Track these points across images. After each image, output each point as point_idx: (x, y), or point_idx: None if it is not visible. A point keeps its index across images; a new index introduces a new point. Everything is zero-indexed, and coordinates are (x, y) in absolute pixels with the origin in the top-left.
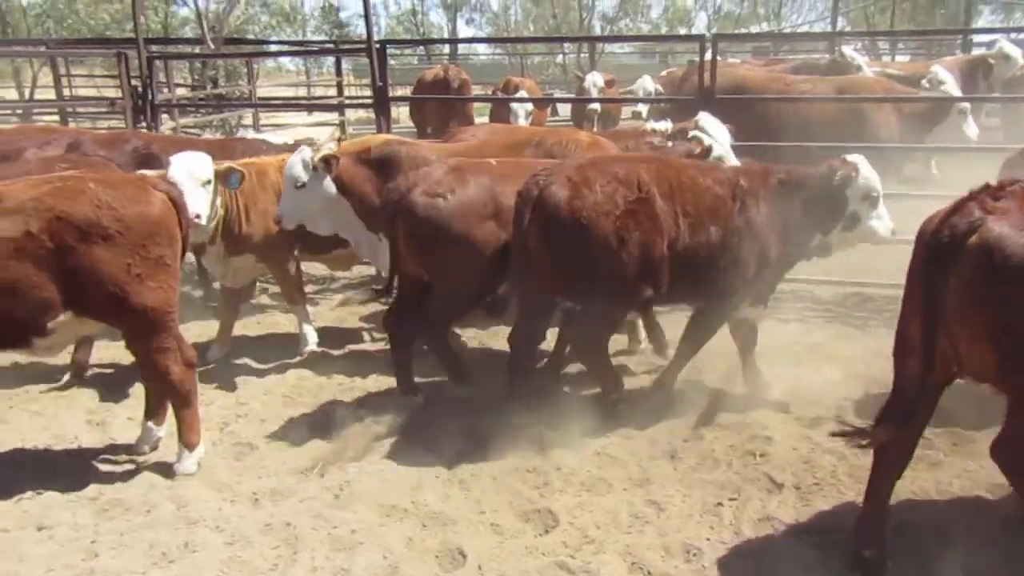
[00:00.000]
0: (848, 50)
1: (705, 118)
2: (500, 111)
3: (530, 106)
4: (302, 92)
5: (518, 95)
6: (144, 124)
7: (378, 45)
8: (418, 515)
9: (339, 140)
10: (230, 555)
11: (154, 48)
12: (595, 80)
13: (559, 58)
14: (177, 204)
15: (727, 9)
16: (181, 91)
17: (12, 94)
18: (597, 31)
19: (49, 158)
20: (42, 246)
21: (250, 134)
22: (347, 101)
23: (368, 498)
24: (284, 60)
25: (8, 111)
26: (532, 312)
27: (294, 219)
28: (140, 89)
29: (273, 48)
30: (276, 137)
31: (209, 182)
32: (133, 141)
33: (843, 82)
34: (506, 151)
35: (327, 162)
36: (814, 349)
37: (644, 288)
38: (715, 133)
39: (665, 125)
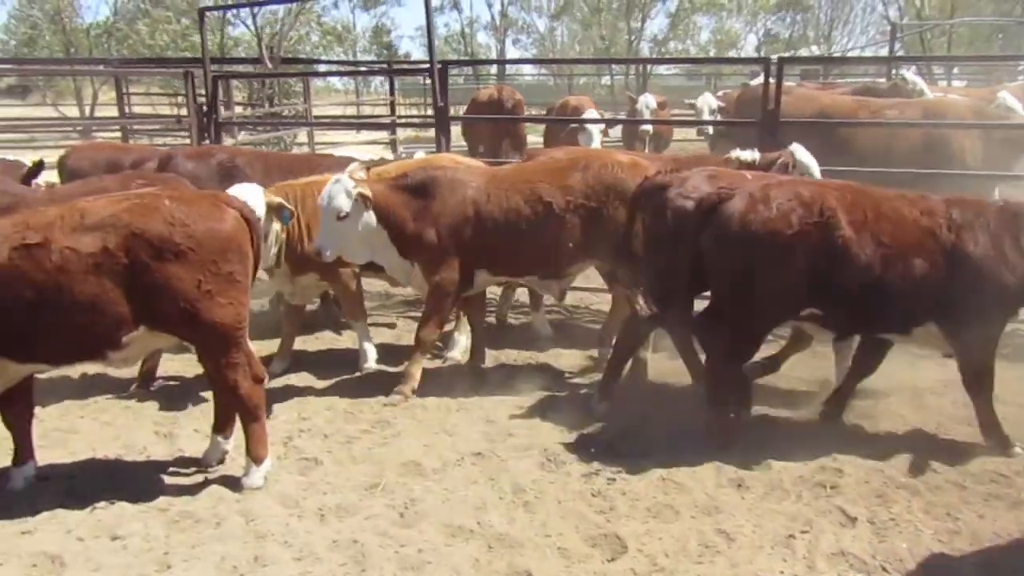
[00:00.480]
0: (910, 74)
1: (800, 149)
2: (554, 132)
3: (602, 126)
4: (352, 111)
5: (587, 115)
6: (208, 141)
7: (440, 65)
8: (484, 536)
9: (368, 168)
10: (300, 571)
11: (214, 67)
12: (648, 102)
13: (604, 79)
14: (249, 221)
15: (775, 31)
16: (238, 109)
17: (74, 111)
18: (645, 53)
19: (127, 175)
20: (118, 262)
21: (330, 150)
22: (402, 120)
23: (433, 517)
24: (333, 79)
25: (69, 127)
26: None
27: (335, 251)
28: (205, 107)
29: (333, 68)
30: (361, 153)
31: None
32: (218, 155)
33: (931, 106)
34: (550, 175)
35: (365, 199)
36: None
37: (791, 310)
38: (810, 164)
39: (752, 155)
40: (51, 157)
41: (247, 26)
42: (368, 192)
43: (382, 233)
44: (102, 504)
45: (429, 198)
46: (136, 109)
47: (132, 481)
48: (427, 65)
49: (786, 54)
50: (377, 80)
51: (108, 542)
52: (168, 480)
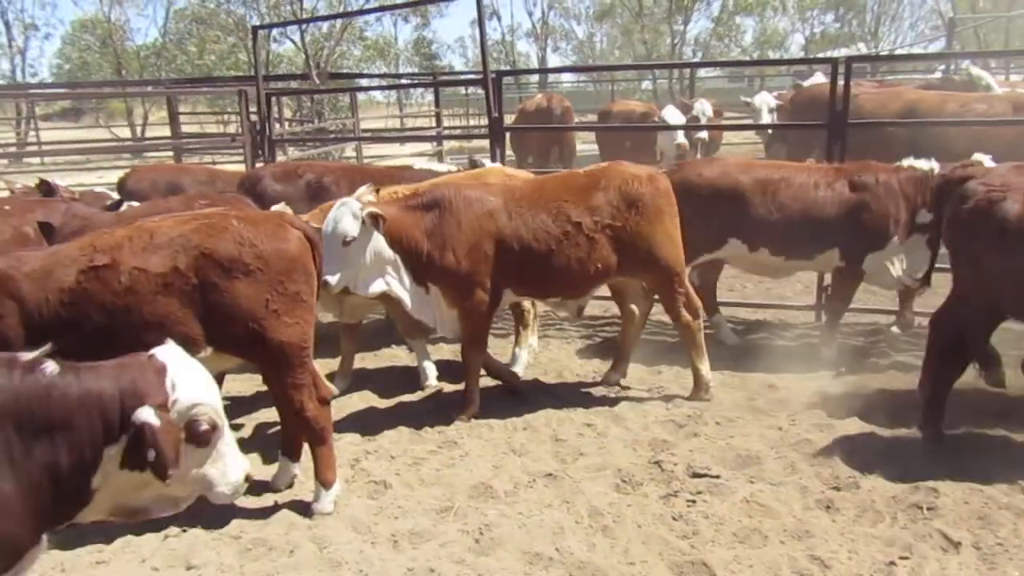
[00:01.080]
0: (976, 69)
1: (987, 160)
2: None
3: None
4: (395, 123)
5: (668, 115)
6: (261, 158)
7: (494, 75)
8: (564, 564)
9: (377, 190)
10: None
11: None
12: (704, 108)
13: (643, 84)
14: (312, 241)
15: (819, 29)
16: (284, 125)
17: (126, 132)
18: (687, 56)
19: (190, 195)
20: (188, 282)
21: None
22: (455, 132)
23: (510, 544)
24: (375, 93)
25: (122, 150)
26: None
27: (342, 280)
28: (258, 125)
29: (383, 82)
30: (441, 167)
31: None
32: (307, 175)
33: (1017, 99)
34: (568, 191)
35: (376, 219)
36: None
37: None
38: None
39: (930, 164)
40: (108, 178)
41: (295, 43)
42: (380, 212)
43: (394, 259)
44: (174, 531)
45: (445, 215)
46: (184, 128)
47: (202, 507)
48: (480, 76)
49: (865, 55)
50: (418, 92)
51: (183, 572)
52: (238, 505)
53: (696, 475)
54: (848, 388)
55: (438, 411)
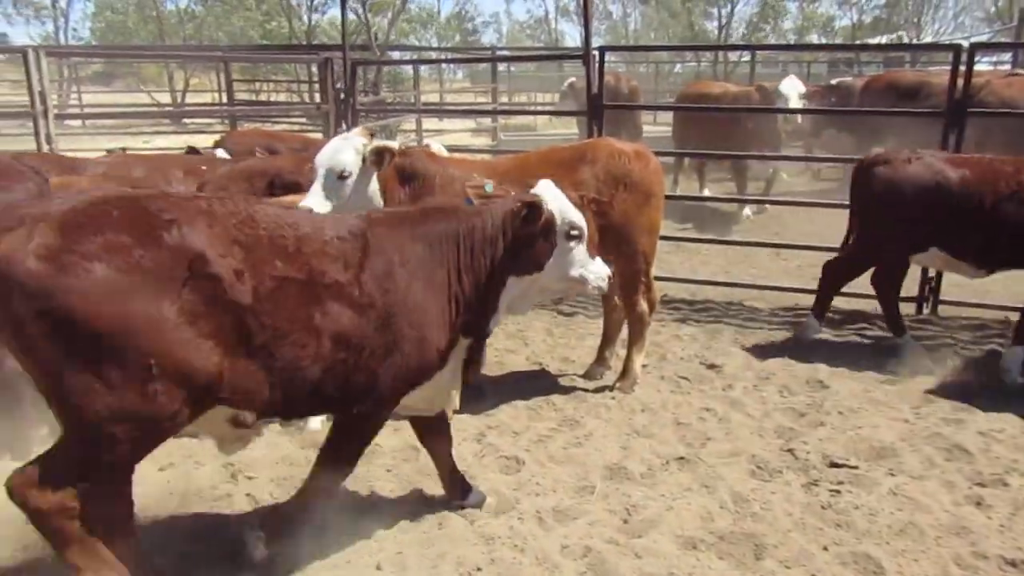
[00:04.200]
0: None
1: None
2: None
3: (801, 89)
4: (449, 98)
5: (786, 86)
6: (344, 128)
7: (596, 51)
8: (717, 548)
9: (372, 134)
10: None
11: (327, 54)
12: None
13: (676, 67)
14: None
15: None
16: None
17: (163, 97)
18: (735, 39)
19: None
20: None
21: (434, 141)
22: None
23: (662, 526)
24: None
25: (162, 116)
26: None
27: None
28: (342, 95)
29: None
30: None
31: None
32: None
33: None
34: (552, 165)
35: (380, 154)
36: None
37: None
38: None
39: None
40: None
41: (357, 14)
42: (392, 146)
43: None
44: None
45: (416, 185)
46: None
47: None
48: (581, 51)
49: (990, 42)
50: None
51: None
52: (386, 485)
53: (834, 465)
54: (965, 381)
55: (551, 387)
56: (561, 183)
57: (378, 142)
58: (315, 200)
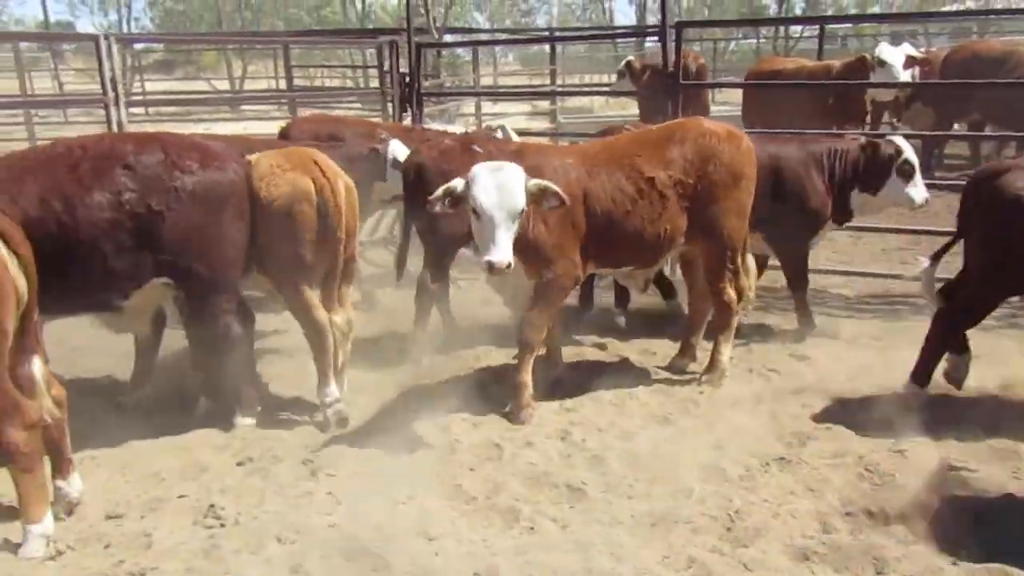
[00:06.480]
0: None
1: None
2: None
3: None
4: (502, 81)
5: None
6: (408, 113)
7: (673, 27)
8: (831, 561)
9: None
10: None
11: (383, 37)
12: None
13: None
14: None
15: None
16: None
17: (222, 84)
18: (797, 11)
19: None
20: None
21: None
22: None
23: (769, 534)
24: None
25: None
26: None
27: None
28: (407, 78)
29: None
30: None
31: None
32: None
33: None
34: (642, 147)
35: (544, 192)
36: None
37: None
38: None
39: None
40: (215, 129)
41: None
42: (554, 188)
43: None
44: (402, 499)
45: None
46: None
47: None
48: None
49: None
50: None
51: (425, 543)
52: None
53: (952, 468)
54: None
55: (633, 381)
56: (651, 162)
57: (538, 181)
58: (503, 254)
